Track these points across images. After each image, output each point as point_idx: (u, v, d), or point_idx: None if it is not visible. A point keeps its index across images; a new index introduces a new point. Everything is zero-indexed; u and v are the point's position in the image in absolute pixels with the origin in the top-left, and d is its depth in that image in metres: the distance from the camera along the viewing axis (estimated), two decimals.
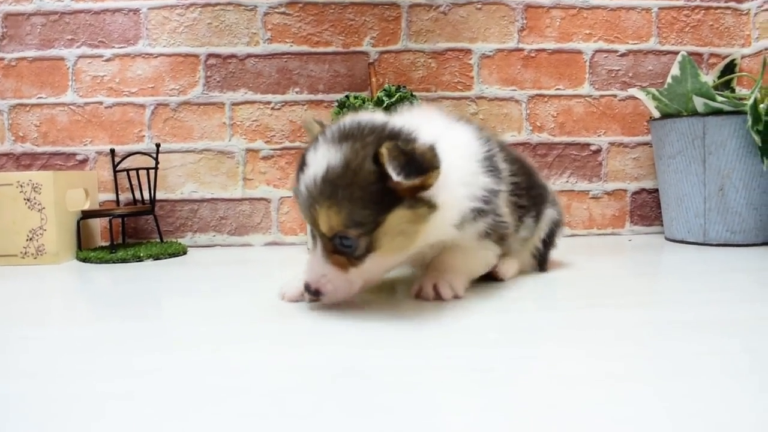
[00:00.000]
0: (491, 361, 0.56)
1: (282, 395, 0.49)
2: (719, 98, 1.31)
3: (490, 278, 0.94)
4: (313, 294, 0.75)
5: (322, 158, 0.71)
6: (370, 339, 0.64)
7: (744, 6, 1.59)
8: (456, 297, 0.82)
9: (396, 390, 0.50)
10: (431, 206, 0.72)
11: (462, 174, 0.76)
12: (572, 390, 0.49)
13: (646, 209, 1.59)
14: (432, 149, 0.69)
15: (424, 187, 0.71)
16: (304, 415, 0.45)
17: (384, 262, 0.75)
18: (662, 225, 1.50)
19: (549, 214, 1.02)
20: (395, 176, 0.66)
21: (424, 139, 0.72)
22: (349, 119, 0.77)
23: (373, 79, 1.39)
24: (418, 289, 0.83)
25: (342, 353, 0.59)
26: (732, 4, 1.59)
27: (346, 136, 0.72)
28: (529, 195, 0.94)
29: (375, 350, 0.60)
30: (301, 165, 0.75)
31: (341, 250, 0.73)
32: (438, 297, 0.81)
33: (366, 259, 0.73)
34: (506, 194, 0.85)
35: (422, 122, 0.77)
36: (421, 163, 0.68)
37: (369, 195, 0.70)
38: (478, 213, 0.79)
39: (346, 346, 0.62)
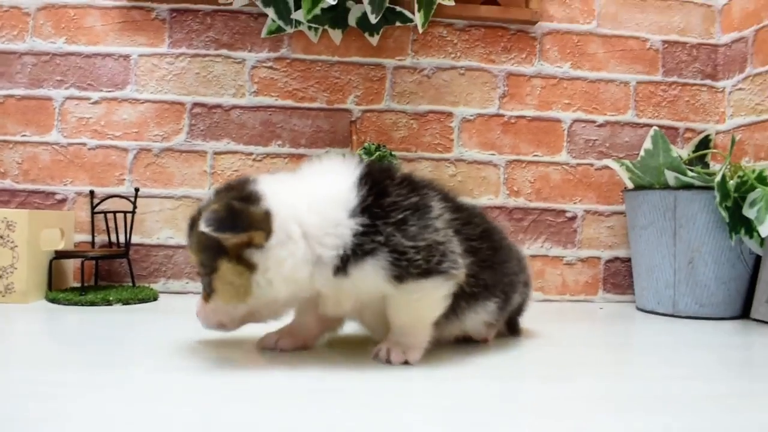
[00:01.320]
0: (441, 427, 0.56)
1: None
2: (690, 173, 1.34)
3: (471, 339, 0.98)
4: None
5: (203, 204, 0.82)
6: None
7: (719, 84, 1.64)
8: (405, 363, 0.82)
9: None
10: (249, 266, 0.76)
11: (312, 232, 0.76)
12: None
13: (619, 278, 1.60)
14: (265, 214, 0.75)
15: (251, 245, 0.75)
16: None
17: (223, 307, 0.80)
18: (634, 294, 1.51)
19: (515, 300, 1.00)
20: (201, 226, 0.73)
21: (270, 203, 0.76)
22: (237, 178, 0.87)
23: (354, 137, 1.41)
24: (376, 350, 0.84)
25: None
26: (708, 81, 1.64)
27: (220, 189, 0.82)
28: (494, 273, 0.90)
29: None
30: None
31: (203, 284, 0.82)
32: (389, 361, 0.82)
33: (211, 299, 0.81)
34: (432, 224, 0.79)
35: (287, 184, 0.81)
36: (239, 223, 0.73)
37: (207, 240, 0.76)
38: (347, 258, 0.76)
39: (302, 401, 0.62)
